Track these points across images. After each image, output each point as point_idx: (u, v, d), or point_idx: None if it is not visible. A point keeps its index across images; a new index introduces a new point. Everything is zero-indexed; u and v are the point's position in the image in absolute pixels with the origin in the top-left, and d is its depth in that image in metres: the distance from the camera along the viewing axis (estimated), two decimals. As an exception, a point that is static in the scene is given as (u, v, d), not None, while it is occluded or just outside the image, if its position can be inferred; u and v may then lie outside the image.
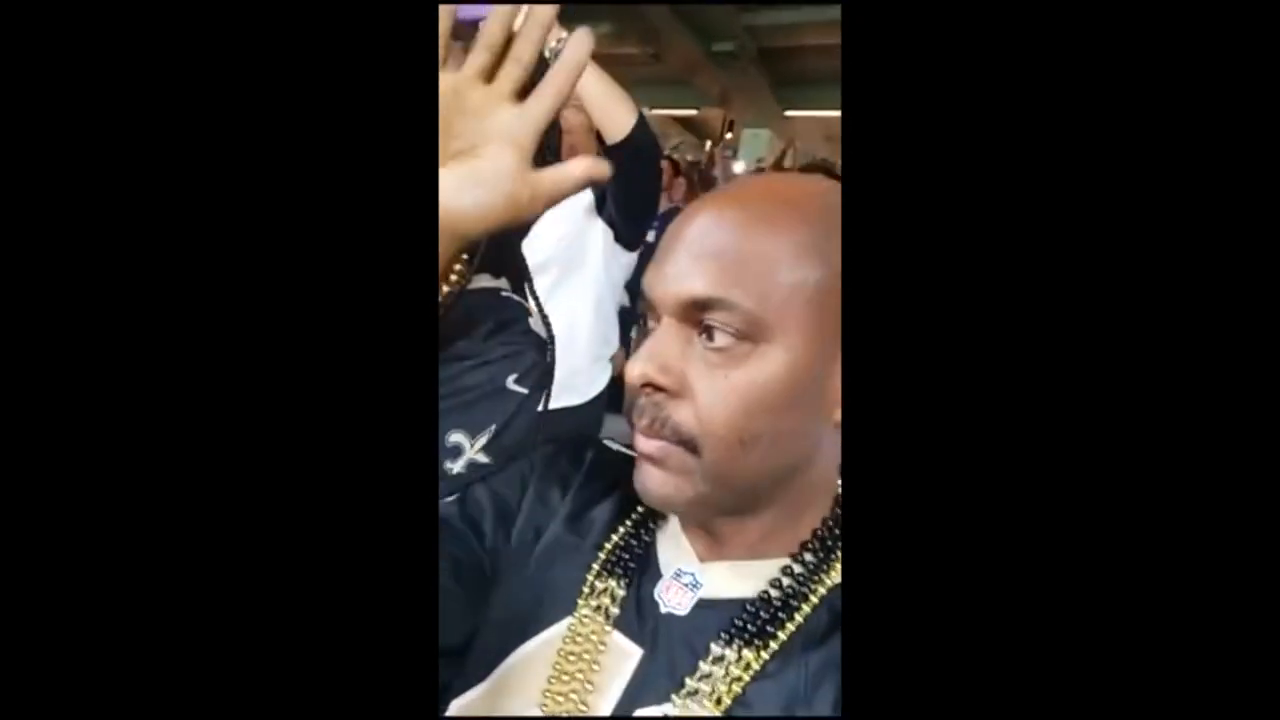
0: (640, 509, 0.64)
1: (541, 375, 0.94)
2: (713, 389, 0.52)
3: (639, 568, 0.61)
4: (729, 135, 7.61)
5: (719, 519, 0.57)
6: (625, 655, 0.58)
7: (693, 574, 0.58)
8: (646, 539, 0.62)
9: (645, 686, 0.56)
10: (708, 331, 0.52)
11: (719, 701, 0.53)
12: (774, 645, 0.53)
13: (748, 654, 0.53)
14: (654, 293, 0.54)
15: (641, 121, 1.73)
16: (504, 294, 0.97)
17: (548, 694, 0.57)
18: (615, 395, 1.99)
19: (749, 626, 0.54)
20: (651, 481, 0.54)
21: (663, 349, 0.53)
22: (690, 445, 0.53)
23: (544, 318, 0.99)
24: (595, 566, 0.61)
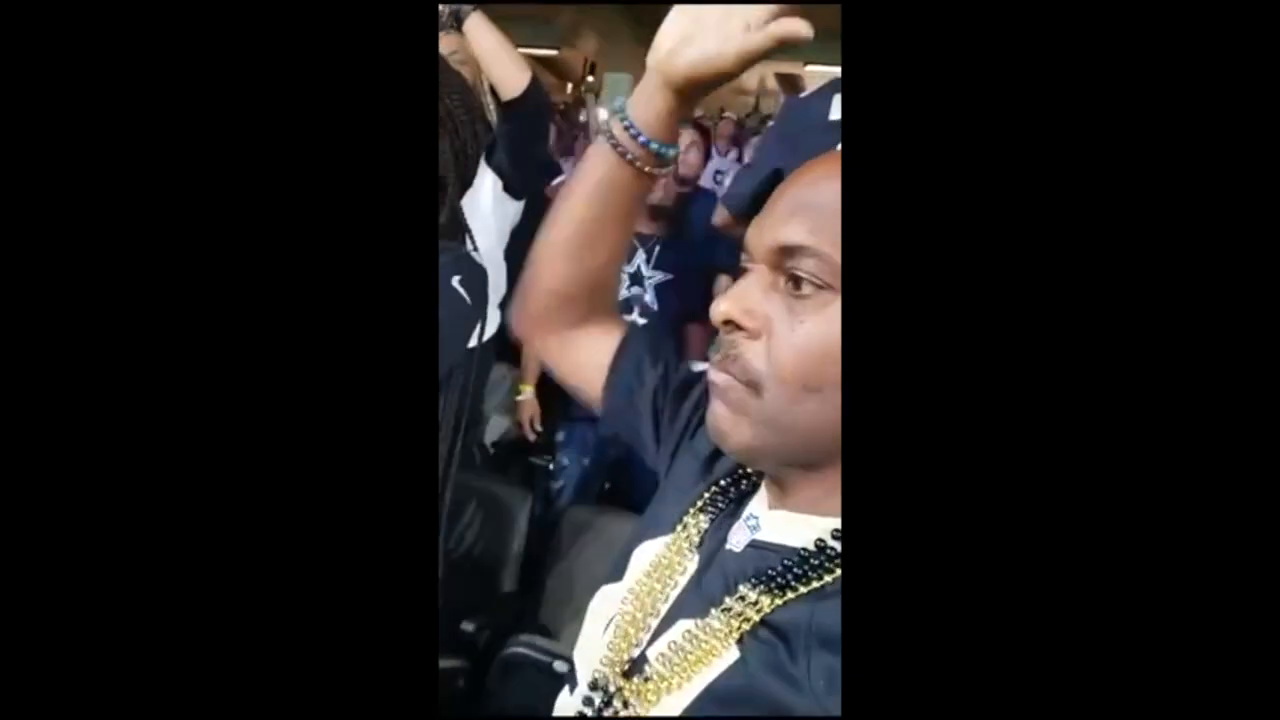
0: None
1: (479, 307, 1.08)
2: (789, 333, 0.55)
3: (728, 511, 0.66)
4: (590, 78, 7.60)
5: (783, 470, 0.60)
6: (688, 575, 0.64)
7: (757, 518, 0.62)
8: (745, 489, 0.66)
9: (685, 604, 0.61)
10: (794, 280, 0.55)
11: (730, 634, 0.56)
12: (790, 595, 0.55)
13: (764, 599, 0.56)
14: (752, 242, 0.59)
15: (535, 82, 1.81)
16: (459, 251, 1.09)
17: (631, 591, 0.65)
18: (505, 344, 2.08)
19: (778, 577, 0.56)
20: (714, 416, 0.59)
21: (749, 292, 0.57)
22: (754, 386, 0.56)
23: (481, 267, 1.11)
24: (697, 504, 0.67)
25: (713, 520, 0.66)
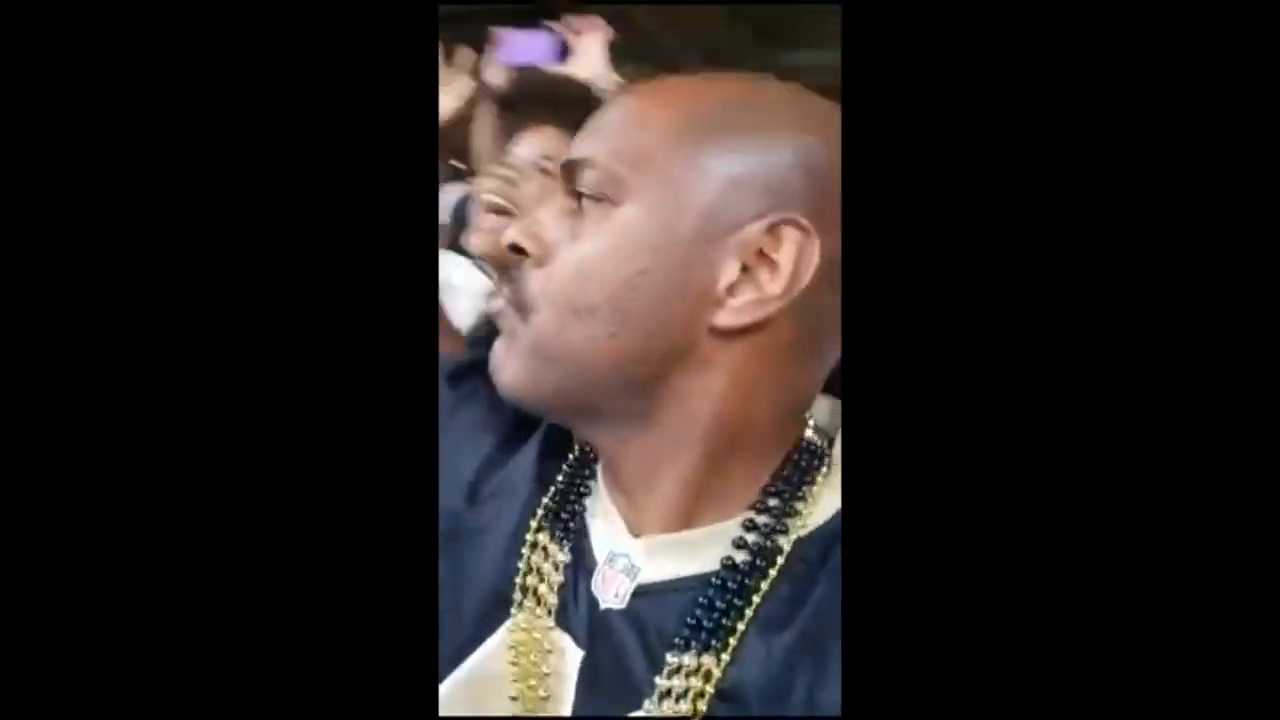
0: (562, 474, 0.57)
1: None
2: (566, 252, 0.50)
3: (574, 552, 0.54)
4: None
5: (584, 425, 0.54)
6: (570, 659, 0.51)
7: (626, 555, 0.51)
8: (578, 509, 0.55)
9: (596, 696, 0.50)
10: (578, 197, 0.51)
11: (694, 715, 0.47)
12: (733, 642, 0.47)
13: (707, 660, 0.47)
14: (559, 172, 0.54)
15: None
16: None
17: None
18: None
19: (704, 619, 0.48)
20: (493, 351, 0.53)
21: (540, 217, 0.53)
22: (522, 308, 0.51)
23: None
24: (521, 556, 0.54)
25: (566, 567, 0.53)
